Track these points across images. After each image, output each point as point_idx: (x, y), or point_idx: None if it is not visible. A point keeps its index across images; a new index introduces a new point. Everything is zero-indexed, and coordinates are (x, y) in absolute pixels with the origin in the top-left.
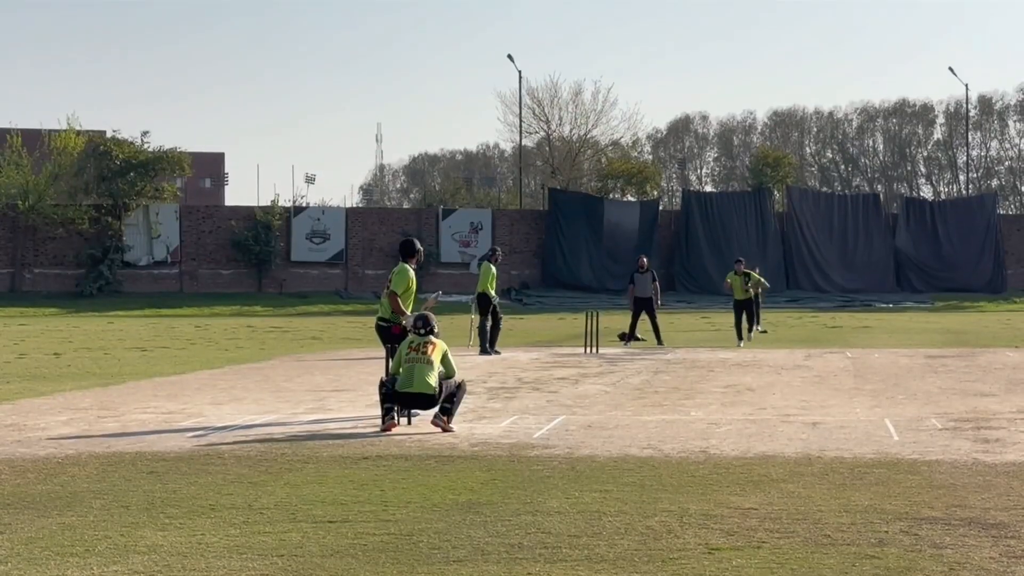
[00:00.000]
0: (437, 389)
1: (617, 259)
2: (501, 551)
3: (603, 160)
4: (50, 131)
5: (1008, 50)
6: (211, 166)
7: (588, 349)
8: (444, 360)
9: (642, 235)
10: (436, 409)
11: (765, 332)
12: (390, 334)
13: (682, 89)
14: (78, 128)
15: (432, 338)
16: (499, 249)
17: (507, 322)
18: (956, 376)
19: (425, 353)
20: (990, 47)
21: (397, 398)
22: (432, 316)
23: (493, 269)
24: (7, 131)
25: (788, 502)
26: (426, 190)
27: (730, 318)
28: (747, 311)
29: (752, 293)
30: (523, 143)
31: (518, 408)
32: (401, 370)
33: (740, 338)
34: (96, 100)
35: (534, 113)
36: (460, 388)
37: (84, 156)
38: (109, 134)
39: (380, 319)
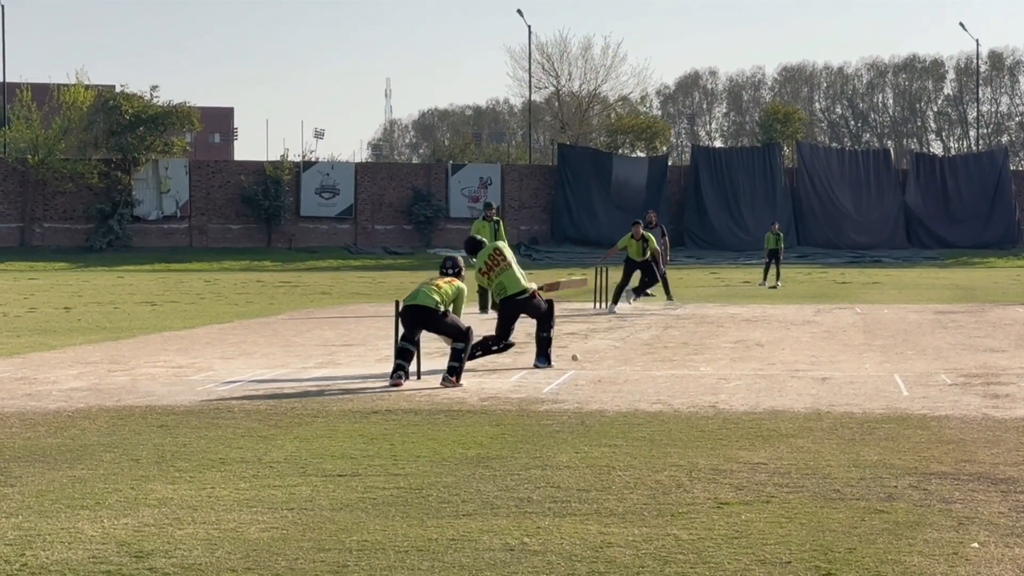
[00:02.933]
0: (440, 307)
1: (626, 214)
2: (510, 505)
3: (612, 116)
4: (59, 85)
5: (1020, 5)
6: (220, 121)
7: (597, 304)
8: (456, 299)
9: (651, 191)
10: (445, 371)
11: (775, 288)
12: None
13: (691, 45)
14: (87, 83)
15: (454, 277)
16: (493, 204)
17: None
18: (965, 332)
19: (435, 282)
20: (1001, 2)
21: (403, 314)
22: (460, 260)
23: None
24: (16, 85)
25: (797, 457)
26: (435, 145)
27: (740, 274)
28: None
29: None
30: (532, 98)
31: (527, 363)
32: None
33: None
34: (105, 54)
35: (543, 68)
36: (467, 340)
37: (93, 110)
38: (118, 89)
39: (514, 294)
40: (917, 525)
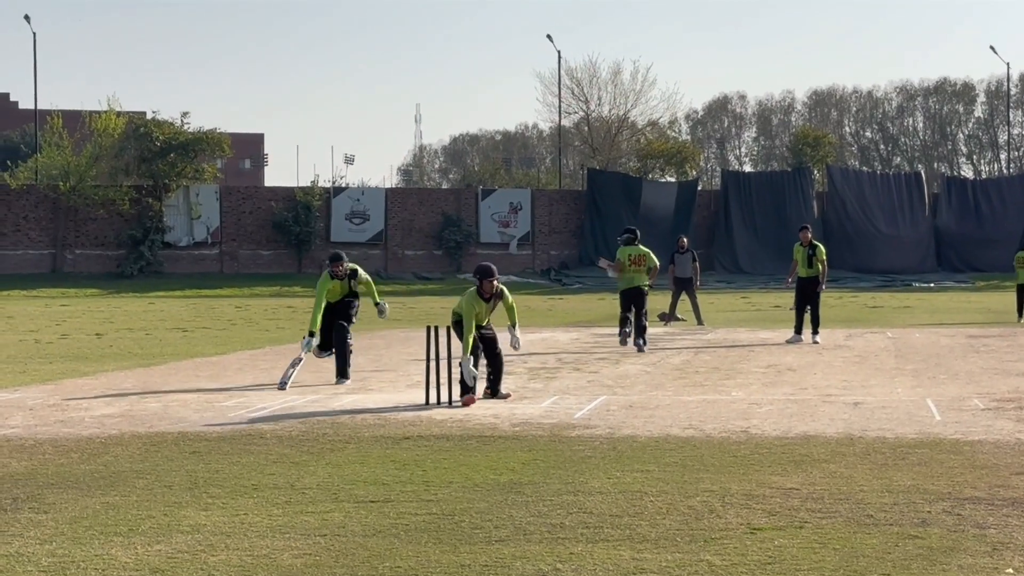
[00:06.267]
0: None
1: (654, 239)
2: (543, 531)
3: (642, 140)
4: (91, 112)
5: None
6: (251, 147)
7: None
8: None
9: (679, 215)
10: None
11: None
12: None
13: (720, 69)
14: (119, 109)
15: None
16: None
17: (547, 302)
18: (998, 356)
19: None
20: None
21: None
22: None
23: None
24: (48, 112)
25: (830, 482)
26: (465, 170)
27: (770, 298)
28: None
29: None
30: (562, 123)
31: (559, 388)
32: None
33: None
34: (137, 81)
35: (573, 93)
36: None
37: (125, 137)
38: (149, 115)
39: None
40: (951, 551)
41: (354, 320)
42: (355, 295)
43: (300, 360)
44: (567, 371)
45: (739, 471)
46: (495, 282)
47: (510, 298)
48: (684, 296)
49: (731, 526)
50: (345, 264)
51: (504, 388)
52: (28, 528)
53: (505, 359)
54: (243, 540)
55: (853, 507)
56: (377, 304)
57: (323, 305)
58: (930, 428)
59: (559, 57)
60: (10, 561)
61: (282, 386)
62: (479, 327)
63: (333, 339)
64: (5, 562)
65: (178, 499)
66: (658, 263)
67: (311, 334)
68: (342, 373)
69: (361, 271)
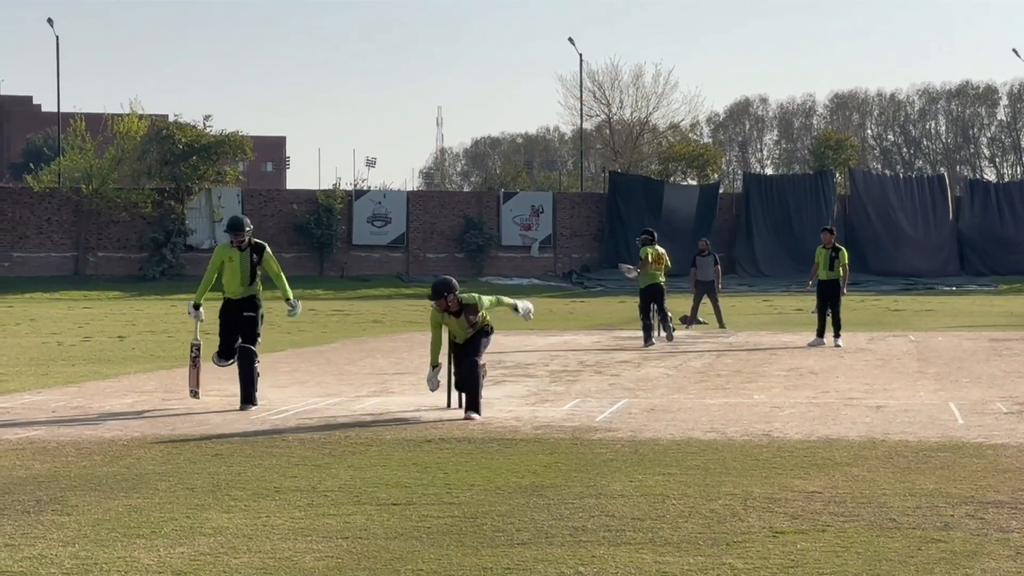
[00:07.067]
0: None
1: (675, 242)
2: (565, 534)
3: (664, 143)
4: (113, 115)
5: None
6: (273, 150)
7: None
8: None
9: (700, 218)
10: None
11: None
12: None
13: (741, 72)
14: (141, 112)
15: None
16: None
17: (568, 304)
18: (1021, 359)
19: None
20: None
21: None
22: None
23: None
24: (71, 115)
25: (852, 485)
26: (487, 173)
27: (792, 301)
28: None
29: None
30: (583, 126)
31: (580, 391)
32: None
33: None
34: (159, 84)
35: (594, 96)
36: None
37: (147, 140)
38: (171, 118)
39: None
40: (974, 554)
41: (259, 340)
42: (257, 303)
43: (196, 345)
44: (588, 374)
45: (761, 474)
46: (449, 299)
47: (486, 302)
48: (705, 299)
49: (753, 529)
50: (247, 233)
51: (482, 414)
52: (51, 530)
53: (526, 362)
54: (265, 542)
55: (876, 511)
56: (288, 300)
57: (212, 280)
58: (953, 432)
59: (580, 60)
60: (33, 563)
61: (193, 394)
62: (456, 343)
63: (238, 364)
64: (29, 564)
65: (200, 501)
66: (671, 264)
67: (195, 306)
68: (247, 399)
69: (269, 251)
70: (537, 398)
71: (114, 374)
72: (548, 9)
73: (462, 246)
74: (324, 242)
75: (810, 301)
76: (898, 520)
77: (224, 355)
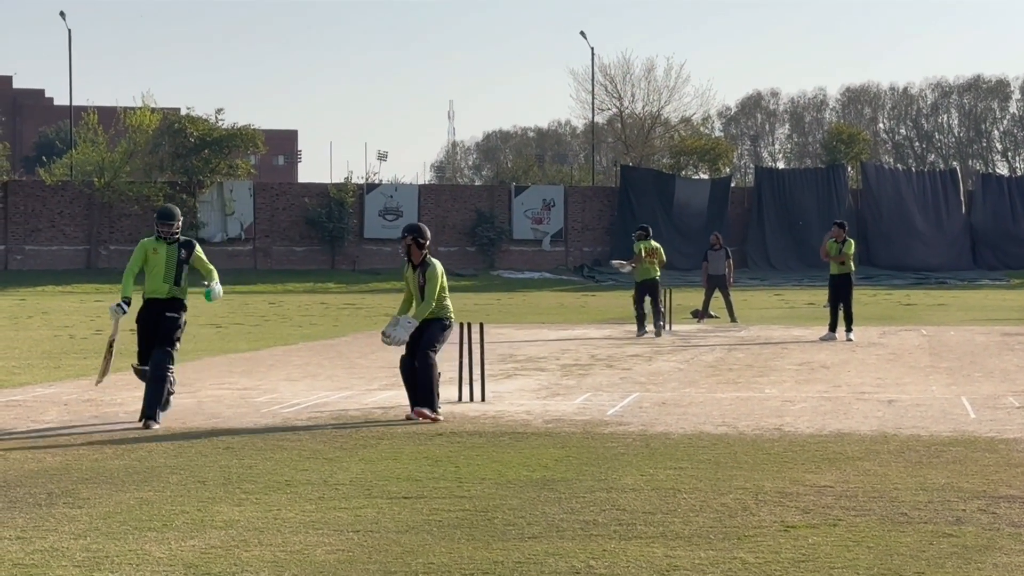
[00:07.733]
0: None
1: (687, 236)
2: (576, 528)
3: (675, 137)
4: (125, 108)
5: None
6: (284, 143)
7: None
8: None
9: (712, 212)
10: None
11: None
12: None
13: (753, 66)
14: (153, 106)
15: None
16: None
17: (580, 298)
18: None
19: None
20: None
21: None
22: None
23: None
24: (83, 109)
25: (864, 480)
26: (498, 167)
27: (804, 295)
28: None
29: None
30: (595, 120)
31: (592, 385)
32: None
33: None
34: (171, 78)
35: (606, 90)
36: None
37: (159, 133)
38: (184, 112)
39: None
40: (986, 549)
41: (178, 344)
42: (181, 306)
43: (113, 341)
44: (600, 368)
45: (772, 468)
46: (408, 240)
47: (438, 273)
48: (717, 293)
49: (764, 524)
50: (176, 226)
51: (440, 410)
52: (62, 523)
53: (537, 355)
54: (276, 536)
55: (887, 505)
56: (207, 283)
57: (136, 272)
58: (965, 426)
59: (592, 54)
60: (45, 556)
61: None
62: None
63: (149, 369)
64: (40, 556)
65: (212, 495)
66: (665, 259)
67: (125, 301)
68: (149, 415)
69: (200, 251)
70: (548, 392)
71: (126, 367)
72: (560, 2)
73: (474, 240)
74: (336, 236)
75: (821, 296)
76: (910, 515)
77: (145, 361)
